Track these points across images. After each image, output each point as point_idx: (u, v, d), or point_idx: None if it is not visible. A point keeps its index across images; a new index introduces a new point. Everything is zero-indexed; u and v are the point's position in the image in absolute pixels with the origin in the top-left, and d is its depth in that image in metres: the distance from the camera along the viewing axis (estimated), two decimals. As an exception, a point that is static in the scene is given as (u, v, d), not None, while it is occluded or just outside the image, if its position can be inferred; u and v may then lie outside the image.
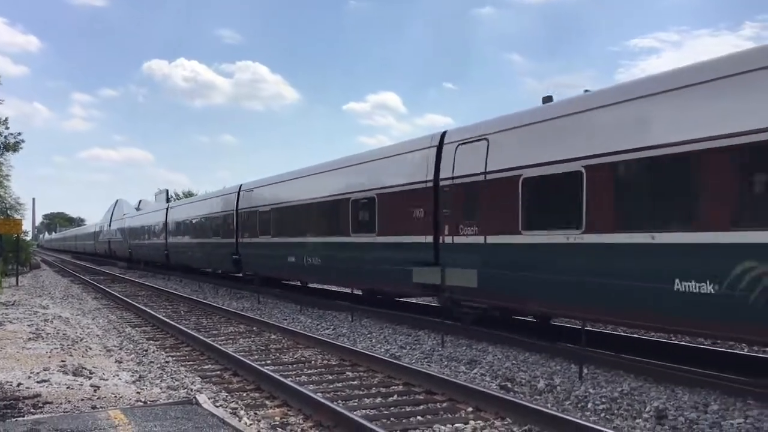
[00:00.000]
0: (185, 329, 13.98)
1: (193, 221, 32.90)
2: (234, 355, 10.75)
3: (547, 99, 12.44)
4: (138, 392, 8.28)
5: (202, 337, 12.80)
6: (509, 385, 9.09)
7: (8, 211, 40.25)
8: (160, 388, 8.65)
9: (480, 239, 12.56)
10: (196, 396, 7.56)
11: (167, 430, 6.12)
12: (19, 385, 8.42)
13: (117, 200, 60.01)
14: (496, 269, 12.09)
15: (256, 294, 22.24)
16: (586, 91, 11.66)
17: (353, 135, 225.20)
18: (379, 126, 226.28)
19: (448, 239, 13.51)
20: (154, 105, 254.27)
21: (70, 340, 12.56)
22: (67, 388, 8.35)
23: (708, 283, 8.36)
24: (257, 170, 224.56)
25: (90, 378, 9.06)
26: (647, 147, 9.35)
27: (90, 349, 11.83)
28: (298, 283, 23.59)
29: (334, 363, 10.79)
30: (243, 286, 25.46)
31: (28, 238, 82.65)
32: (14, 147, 37.62)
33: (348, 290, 19.45)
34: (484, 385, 8.84)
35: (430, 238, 14.03)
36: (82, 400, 7.70)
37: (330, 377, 9.78)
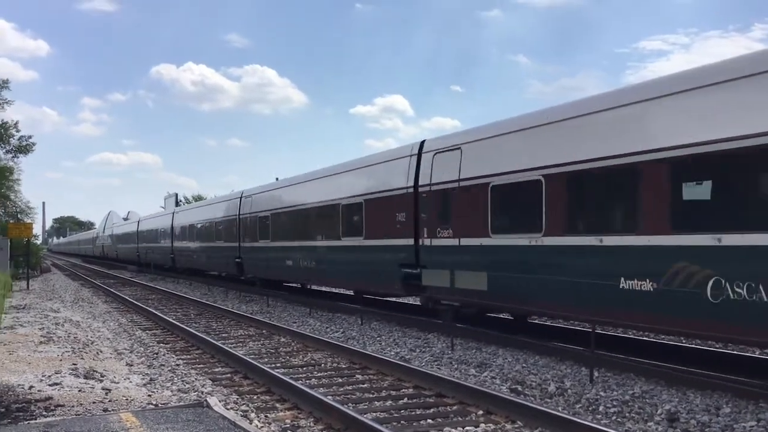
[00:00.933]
0: (195, 332, 14.03)
1: (198, 226, 33.93)
2: (244, 357, 10.77)
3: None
4: (149, 395, 8.31)
5: (212, 340, 12.83)
6: (519, 388, 9.07)
7: (19, 215, 40.44)
8: (171, 391, 8.68)
9: (454, 241, 13.33)
10: (207, 399, 7.58)
11: (179, 433, 6.14)
12: (30, 388, 8.47)
13: (109, 212, 74.03)
14: (465, 269, 12.85)
15: (265, 297, 22.30)
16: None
17: (361, 138, 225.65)
18: (387, 129, 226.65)
19: (426, 242, 14.28)
20: (163, 109, 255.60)
21: (81, 344, 12.62)
22: (79, 391, 8.39)
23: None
24: (265, 173, 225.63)
25: (101, 381, 9.09)
26: (589, 160, 10.33)
27: (101, 352, 11.88)
28: (299, 285, 24.42)
29: (343, 366, 10.80)
30: (252, 290, 25.54)
31: (39, 242, 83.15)
32: (26, 149, 37.90)
33: (350, 292, 20.02)
34: (494, 388, 8.83)
35: (411, 241, 14.74)
36: (94, 402, 7.73)
37: (340, 380, 9.78)
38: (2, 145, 37.76)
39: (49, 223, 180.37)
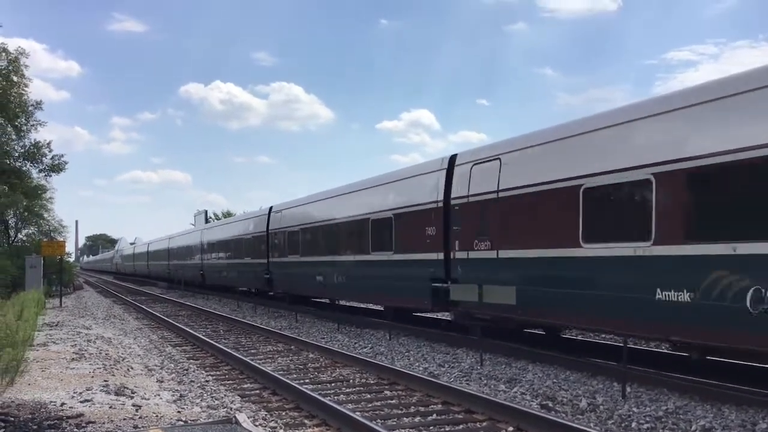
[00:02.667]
0: (225, 348, 14.09)
1: (227, 242, 34.13)
2: (273, 374, 10.78)
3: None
4: (179, 411, 8.34)
5: (241, 356, 12.88)
6: (550, 404, 8.96)
7: (52, 234, 41.10)
8: (201, 407, 8.70)
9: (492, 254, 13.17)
10: (236, 415, 7.58)
11: (207, 450, 6.15)
12: (62, 404, 8.55)
13: (120, 238, 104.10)
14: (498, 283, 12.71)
15: (293, 313, 22.34)
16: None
17: (387, 153, 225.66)
18: (413, 143, 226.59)
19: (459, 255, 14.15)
20: (192, 127, 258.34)
21: (112, 360, 12.73)
22: (110, 407, 8.45)
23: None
24: (294, 189, 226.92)
25: (132, 397, 9.15)
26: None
27: (132, 368, 11.98)
28: (327, 301, 24.37)
29: (372, 382, 10.76)
30: (280, 305, 25.61)
31: (71, 259, 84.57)
32: (58, 168, 38.66)
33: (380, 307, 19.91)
34: (524, 404, 8.73)
35: (441, 255, 14.70)
36: (124, 419, 7.78)
37: (368, 396, 9.74)
38: (36, 164, 38.58)
39: (81, 241, 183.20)
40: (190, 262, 42.34)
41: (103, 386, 9.82)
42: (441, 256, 14.70)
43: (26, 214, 38.94)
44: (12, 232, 40.60)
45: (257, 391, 10.22)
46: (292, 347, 14.98)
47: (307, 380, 10.99)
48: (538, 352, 12.25)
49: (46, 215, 41.26)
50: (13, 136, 37.19)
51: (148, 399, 9.12)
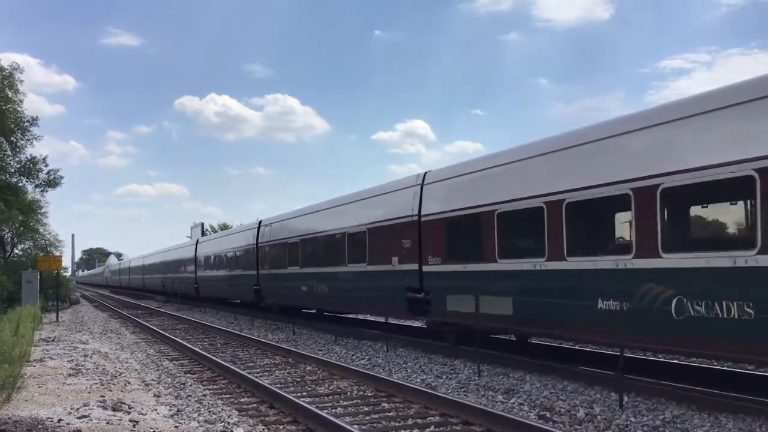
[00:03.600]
0: (222, 362, 14.06)
1: (220, 255, 35.06)
2: (270, 387, 10.76)
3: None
4: (176, 426, 8.32)
5: (238, 370, 12.85)
6: (548, 414, 8.96)
7: (48, 248, 41.04)
8: (198, 422, 8.69)
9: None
10: (234, 429, 7.59)
11: (205, 465, 6.13)
12: (59, 421, 8.52)
13: (110, 255, 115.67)
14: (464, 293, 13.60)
15: (291, 325, 22.32)
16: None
17: (384, 164, 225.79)
18: (409, 154, 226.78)
19: (430, 267, 15.17)
20: (187, 140, 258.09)
21: (109, 375, 12.70)
22: (107, 423, 8.43)
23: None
24: (290, 201, 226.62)
25: (129, 413, 9.13)
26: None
27: (129, 383, 11.95)
28: (314, 311, 25.49)
29: (369, 394, 10.75)
30: (278, 318, 25.59)
31: (68, 274, 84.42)
32: (54, 183, 38.68)
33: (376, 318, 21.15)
34: (522, 415, 8.73)
35: (415, 266, 15.62)
36: (122, 435, 7.76)
37: (366, 408, 9.73)
38: (32, 180, 38.59)
39: (78, 255, 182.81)
40: (185, 275, 43.15)
41: (100, 402, 9.79)
42: (416, 267, 15.60)
43: (22, 229, 38.88)
44: (8, 247, 40.50)
45: (255, 405, 10.20)
46: (290, 360, 14.95)
47: (304, 393, 10.97)
48: (536, 362, 12.26)
49: (41, 230, 41.25)
50: (9, 152, 37.22)
51: (146, 414, 9.10)
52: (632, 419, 8.37)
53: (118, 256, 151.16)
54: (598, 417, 8.60)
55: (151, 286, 58.06)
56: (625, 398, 9.26)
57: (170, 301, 47.26)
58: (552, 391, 10.34)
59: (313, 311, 25.43)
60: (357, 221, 18.93)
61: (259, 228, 28.47)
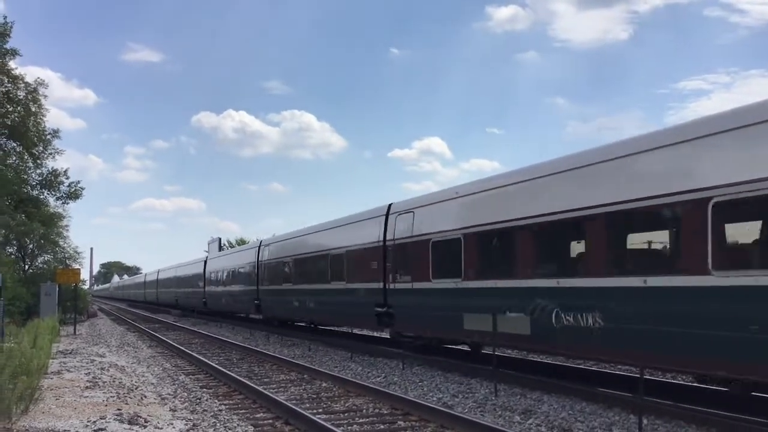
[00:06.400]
0: (238, 377, 14.06)
1: (226, 272, 37.91)
2: (286, 403, 10.74)
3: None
4: (192, 441, 8.31)
5: (254, 385, 12.84)
6: (566, 435, 8.86)
7: (67, 261, 41.33)
8: (213, 437, 8.68)
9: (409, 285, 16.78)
10: (249, 445, 7.56)
11: (221, 481, 6.11)
12: (76, 433, 8.55)
13: (115, 274, 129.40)
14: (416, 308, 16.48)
15: (306, 341, 22.32)
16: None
17: (399, 181, 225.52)
18: (425, 172, 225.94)
19: (391, 285, 17.67)
20: (205, 156, 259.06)
21: (125, 389, 12.74)
22: (123, 436, 8.45)
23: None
24: (306, 217, 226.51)
25: (145, 427, 9.15)
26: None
27: (145, 397, 11.98)
28: (304, 324, 26.80)
29: (385, 412, 10.68)
30: (294, 334, 25.64)
31: (86, 287, 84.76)
32: (75, 195, 39.11)
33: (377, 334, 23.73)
34: (539, 436, 8.63)
35: (381, 285, 18.05)
36: (138, 449, 7.77)
37: (382, 426, 9.67)
38: (53, 192, 39.00)
39: (96, 268, 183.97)
40: (195, 290, 45.70)
41: (117, 415, 9.82)
42: (381, 285, 18.06)
43: (42, 241, 39.21)
44: (28, 260, 40.85)
45: (270, 421, 10.17)
46: (305, 376, 14.92)
47: (320, 410, 10.93)
48: (554, 382, 12.14)
49: (62, 243, 41.55)
50: (30, 164, 37.65)
51: (162, 428, 9.12)
52: (652, 442, 8.25)
53: (136, 270, 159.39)
54: (617, 439, 8.48)
55: (164, 300, 60.55)
56: (645, 421, 9.14)
57: (186, 315, 47.53)
58: (570, 412, 10.23)
59: (303, 324, 27.09)
60: (338, 244, 21.59)
61: (259, 248, 31.24)
